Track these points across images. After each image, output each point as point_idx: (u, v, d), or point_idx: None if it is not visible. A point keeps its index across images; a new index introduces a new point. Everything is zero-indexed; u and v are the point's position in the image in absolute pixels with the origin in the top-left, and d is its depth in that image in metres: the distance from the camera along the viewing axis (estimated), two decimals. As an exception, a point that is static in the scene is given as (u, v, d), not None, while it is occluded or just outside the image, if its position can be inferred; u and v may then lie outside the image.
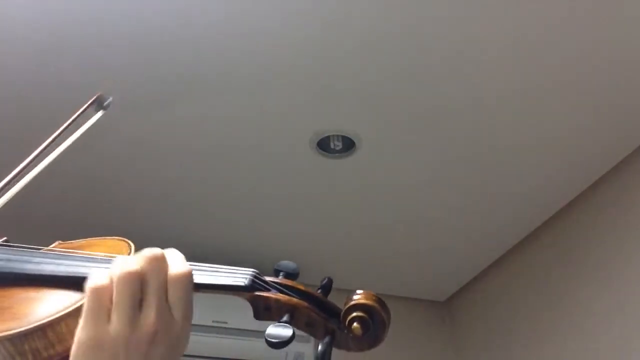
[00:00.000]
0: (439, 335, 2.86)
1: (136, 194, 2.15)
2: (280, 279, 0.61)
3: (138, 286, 0.52)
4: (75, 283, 0.56)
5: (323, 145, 1.99)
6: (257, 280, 0.59)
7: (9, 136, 1.84)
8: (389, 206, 2.29)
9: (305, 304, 0.58)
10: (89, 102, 0.91)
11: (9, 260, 0.61)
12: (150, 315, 0.52)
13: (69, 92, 1.73)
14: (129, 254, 0.64)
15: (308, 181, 2.15)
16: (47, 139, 0.82)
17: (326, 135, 1.95)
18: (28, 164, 0.77)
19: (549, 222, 2.39)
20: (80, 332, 0.51)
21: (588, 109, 1.87)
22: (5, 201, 0.72)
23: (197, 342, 2.10)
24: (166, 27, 1.58)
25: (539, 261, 2.41)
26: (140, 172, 2.06)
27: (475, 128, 1.93)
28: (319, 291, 0.62)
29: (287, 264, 0.64)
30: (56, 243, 0.72)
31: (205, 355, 2.17)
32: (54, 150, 0.82)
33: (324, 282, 0.64)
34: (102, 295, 0.51)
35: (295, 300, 0.58)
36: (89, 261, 0.61)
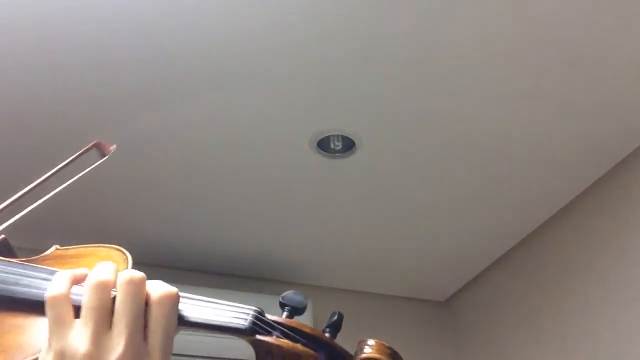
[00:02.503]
0: (439, 335, 2.86)
1: (131, 195, 2.15)
2: (284, 319, 0.54)
3: (107, 299, 0.48)
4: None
5: (323, 145, 1.99)
6: (258, 322, 0.53)
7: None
8: (389, 206, 2.29)
9: (311, 352, 0.52)
10: (87, 148, 0.87)
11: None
12: (119, 343, 0.47)
13: (68, 91, 1.74)
14: (125, 264, 0.59)
15: (308, 181, 2.15)
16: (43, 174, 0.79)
17: (326, 135, 1.95)
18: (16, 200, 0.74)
19: (548, 222, 2.39)
20: (45, 345, 0.48)
21: (587, 109, 1.87)
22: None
23: (198, 342, 2.10)
24: (165, 26, 1.58)
25: (539, 261, 2.41)
26: (137, 173, 2.05)
27: (475, 128, 1.93)
28: (327, 330, 0.55)
29: (293, 297, 0.56)
30: (53, 248, 0.68)
31: (206, 355, 2.17)
32: (47, 185, 0.79)
33: (334, 319, 0.56)
34: (58, 304, 0.48)
35: (300, 348, 0.52)
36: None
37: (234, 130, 1.91)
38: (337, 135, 1.97)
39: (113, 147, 0.85)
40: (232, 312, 0.53)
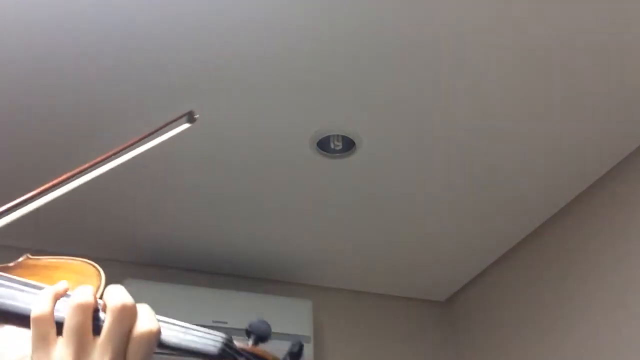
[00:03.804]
0: (439, 335, 2.87)
1: (131, 195, 2.15)
2: (250, 347, 0.60)
3: (88, 320, 0.50)
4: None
5: (323, 145, 1.99)
6: (227, 349, 0.58)
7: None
8: (389, 206, 2.29)
9: None
10: (179, 116, 1.03)
11: None
12: None
13: (69, 96, 1.74)
14: (98, 280, 0.60)
15: (308, 181, 2.15)
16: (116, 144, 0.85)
17: (326, 135, 1.96)
18: (105, 159, 0.79)
19: (548, 222, 2.39)
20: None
21: (587, 110, 1.87)
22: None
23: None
24: (168, 32, 1.58)
25: (538, 261, 2.42)
26: (136, 174, 2.05)
27: (475, 129, 1.93)
28: (287, 359, 0.62)
29: (259, 326, 0.62)
30: (24, 257, 0.70)
31: None
32: (130, 152, 0.86)
33: (294, 350, 0.62)
34: (42, 324, 0.50)
35: None
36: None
37: (234, 130, 1.92)
38: (337, 135, 1.97)
39: (198, 116, 1.03)
40: (204, 337, 0.58)
